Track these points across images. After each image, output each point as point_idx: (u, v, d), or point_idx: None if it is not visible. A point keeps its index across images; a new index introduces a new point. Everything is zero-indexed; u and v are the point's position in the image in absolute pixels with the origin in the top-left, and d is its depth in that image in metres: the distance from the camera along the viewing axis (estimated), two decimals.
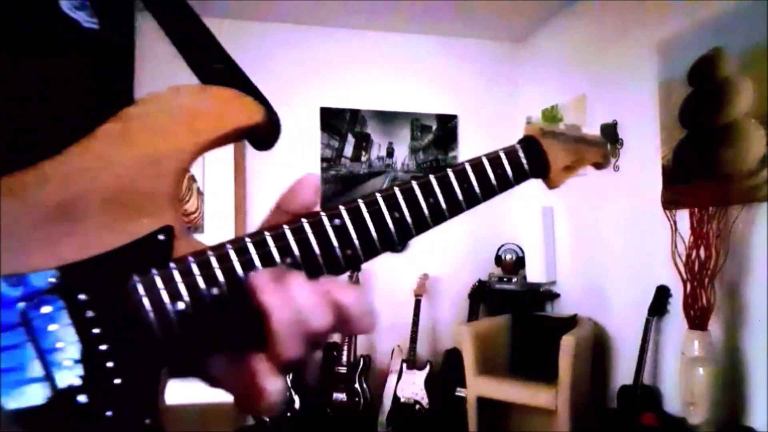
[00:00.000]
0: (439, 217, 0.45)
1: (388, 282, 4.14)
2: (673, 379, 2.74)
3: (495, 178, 0.49)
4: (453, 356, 3.72)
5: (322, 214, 0.41)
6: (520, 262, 4.01)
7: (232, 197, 3.95)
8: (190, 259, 0.37)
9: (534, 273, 3.88)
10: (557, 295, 3.89)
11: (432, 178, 0.45)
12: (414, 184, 0.44)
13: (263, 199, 4.01)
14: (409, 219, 0.43)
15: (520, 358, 3.50)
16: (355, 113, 4.19)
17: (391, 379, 3.75)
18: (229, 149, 3.85)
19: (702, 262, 2.47)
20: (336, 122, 4.16)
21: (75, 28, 0.43)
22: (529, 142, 0.54)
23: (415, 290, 3.93)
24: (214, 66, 0.46)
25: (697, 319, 2.46)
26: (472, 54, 4.39)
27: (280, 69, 4.05)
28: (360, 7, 3.84)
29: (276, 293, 0.36)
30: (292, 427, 3.54)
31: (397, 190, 0.43)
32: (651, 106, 2.99)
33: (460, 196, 0.46)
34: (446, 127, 4.34)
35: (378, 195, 0.42)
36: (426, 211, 0.44)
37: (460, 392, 3.52)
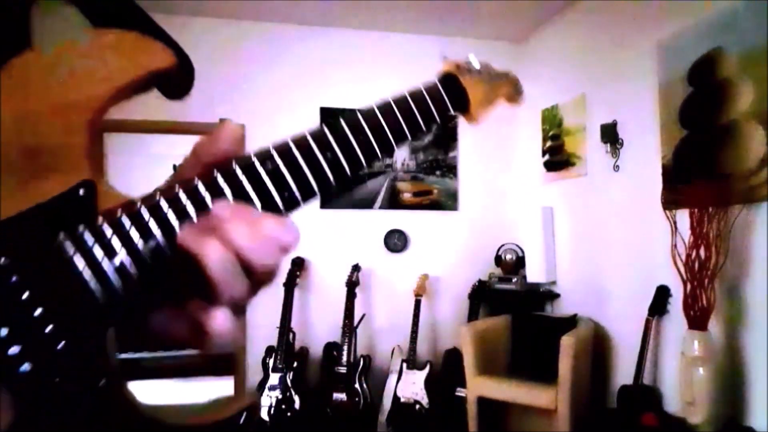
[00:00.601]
0: (370, 154, 0.44)
1: (388, 282, 4.15)
2: (673, 379, 2.74)
3: (419, 113, 0.49)
4: (453, 356, 3.72)
5: (254, 157, 0.39)
6: (520, 262, 4.02)
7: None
8: (119, 211, 0.35)
9: (534, 273, 3.88)
10: (557, 295, 3.89)
11: (359, 115, 0.44)
12: (342, 122, 0.43)
13: None
14: (342, 158, 0.42)
15: (520, 358, 3.50)
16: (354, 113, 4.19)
17: (391, 379, 3.75)
18: None
19: (702, 262, 2.47)
20: (335, 122, 4.16)
21: None
22: (448, 78, 0.55)
23: (415, 290, 3.93)
24: (111, 8, 0.42)
25: (697, 319, 2.46)
26: (472, 54, 4.38)
27: (280, 69, 4.05)
28: (360, 7, 3.85)
29: (205, 239, 0.35)
30: (292, 427, 3.54)
31: (326, 129, 0.42)
32: (651, 106, 2.99)
33: (388, 132, 0.46)
34: (446, 127, 4.34)
35: (308, 134, 0.42)
36: (357, 148, 0.43)
37: (460, 392, 3.53)
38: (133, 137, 5.06)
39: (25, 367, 0.33)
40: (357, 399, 3.61)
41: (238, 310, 0.37)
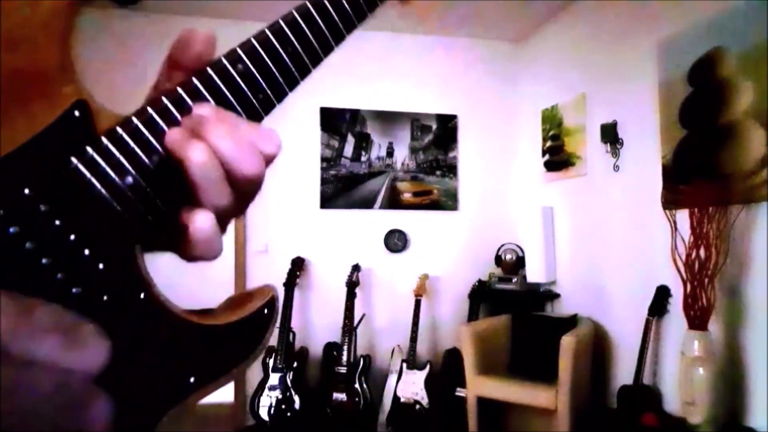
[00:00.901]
0: (326, 46, 0.45)
1: (388, 282, 4.15)
2: (673, 379, 2.74)
3: None
4: (453, 356, 3.72)
5: (224, 60, 0.39)
6: (520, 262, 4.02)
7: None
8: (119, 130, 0.36)
9: (534, 273, 3.88)
10: (557, 295, 3.89)
11: (310, 6, 0.44)
12: (295, 14, 0.43)
13: (263, 198, 4.01)
14: (302, 52, 0.43)
15: (520, 358, 3.50)
16: (355, 113, 4.20)
17: (391, 379, 3.75)
18: None
19: (702, 262, 2.47)
20: (336, 122, 4.16)
21: None
22: None
23: (415, 290, 3.93)
24: None
25: (697, 319, 2.46)
26: (472, 54, 4.39)
27: None
28: None
29: (191, 143, 0.35)
30: (292, 427, 3.54)
31: (282, 23, 0.42)
32: (651, 106, 2.99)
33: (338, 21, 0.46)
34: (446, 127, 4.34)
35: (268, 31, 0.41)
36: (314, 41, 0.44)
37: (460, 392, 3.53)
38: None
39: (75, 290, 0.34)
40: (357, 399, 3.61)
41: (223, 221, 0.37)
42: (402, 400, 3.66)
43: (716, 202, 2.48)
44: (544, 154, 4.06)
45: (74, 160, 0.34)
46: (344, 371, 3.66)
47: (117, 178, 0.35)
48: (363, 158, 4.21)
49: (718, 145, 2.56)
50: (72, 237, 0.34)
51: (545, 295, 3.92)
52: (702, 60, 2.65)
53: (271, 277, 3.89)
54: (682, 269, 2.54)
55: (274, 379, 3.61)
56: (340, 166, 4.16)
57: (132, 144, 0.36)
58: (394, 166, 4.25)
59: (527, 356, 3.47)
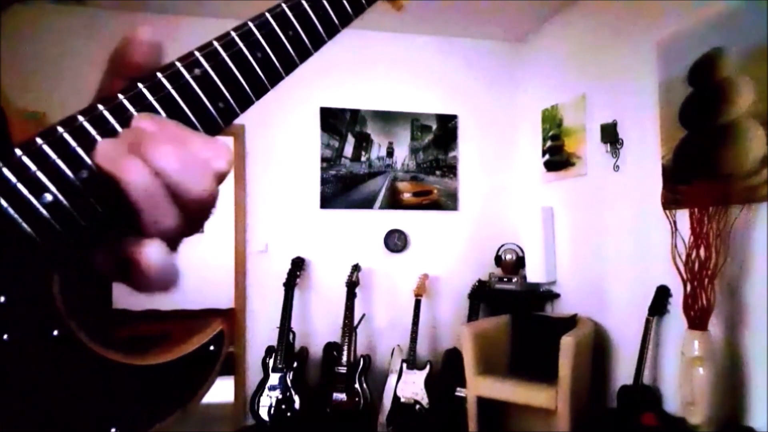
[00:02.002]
0: (303, 52, 0.41)
1: (388, 282, 4.15)
2: (673, 379, 2.74)
3: (346, 0, 0.45)
4: (453, 356, 3.72)
5: (178, 64, 0.35)
6: (520, 262, 4.02)
7: (233, 197, 3.95)
8: (39, 141, 0.31)
9: (534, 273, 3.88)
10: (557, 295, 3.89)
11: (284, 7, 0.40)
12: (268, 15, 0.39)
13: (263, 199, 4.02)
14: (273, 57, 0.38)
15: (520, 358, 3.50)
16: (355, 113, 4.19)
17: (391, 379, 3.75)
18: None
19: (702, 262, 2.47)
20: (336, 122, 4.16)
21: None
22: None
23: (415, 290, 3.93)
24: None
25: (697, 319, 2.46)
26: (472, 54, 4.39)
27: None
28: None
29: (126, 160, 0.31)
30: (292, 427, 3.54)
31: (251, 25, 0.38)
32: (651, 106, 2.99)
33: (318, 24, 0.41)
34: (446, 127, 4.34)
35: (233, 33, 0.37)
36: (288, 45, 0.39)
37: (460, 392, 3.53)
38: None
39: None
40: (357, 399, 3.61)
41: (172, 245, 0.33)
42: (402, 400, 3.66)
43: (716, 202, 2.48)
44: (544, 154, 4.05)
45: None
46: (344, 371, 3.66)
47: (30, 197, 0.30)
48: (363, 158, 4.21)
49: (718, 145, 2.56)
50: None
51: (545, 295, 3.92)
52: (702, 60, 2.65)
53: (271, 277, 3.89)
54: (682, 269, 2.54)
55: (274, 379, 3.61)
56: (340, 166, 4.16)
57: (53, 157, 0.31)
58: (394, 166, 4.25)
59: (527, 356, 3.47)
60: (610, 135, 3.28)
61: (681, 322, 2.57)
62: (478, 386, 3.24)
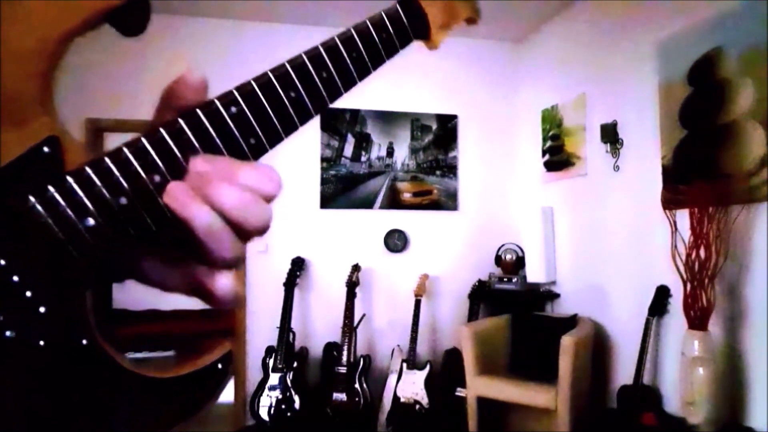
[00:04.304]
0: (334, 91, 0.43)
1: (388, 282, 4.15)
2: (673, 379, 2.74)
3: (381, 43, 0.47)
4: (453, 356, 3.72)
5: (217, 102, 0.38)
6: (520, 262, 4.02)
7: None
8: (88, 169, 0.34)
9: (534, 273, 3.88)
10: (557, 295, 3.89)
11: (321, 49, 0.42)
12: (304, 57, 0.41)
13: None
14: (306, 97, 0.41)
15: (520, 358, 3.50)
16: (355, 113, 4.19)
17: (391, 379, 3.75)
18: None
19: (702, 262, 2.47)
20: (336, 122, 4.16)
21: None
22: (407, 2, 0.52)
23: (415, 290, 3.93)
24: None
25: (697, 319, 2.46)
26: (472, 54, 4.39)
27: None
28: (361, 7, 3.83)
29: (193, 204, 0.34)
30: (292, 427, 3.54)
31: (288, 67, 0.40)
32: (651, 106, 2.99)
33: (351, 66, 0.44)
34: (446, 127, 4.34)
35: (270, 74, 0.40)
36: (321, 86, 0.42)
37: (460, 392, 3.53)
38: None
39: (9, 334, 0.33)
40: (357, 399, 3.61)
41: (236, 264, 0.37)
42: (402, 400, 3.66)
43: (716, 202, 2.48)
44: (544, 154, 4.06)
45: (32, 198, 0.33)
46: (344, 371, 3.66)
47: (77, 220, 0.34)
48: (363, 158, 4.21)
49: (718, 145, 2.56)
50: (15, 278, 0.33)
51: (545, 295, 3.92)
52: (702, 60, 2.65)
53: (271, 277, 3.89)
54: (682, 269, 2.54)
55: (274, 379, 3.61)
56: (340, 166, 4.16)
57: (99, 184, 0.34)
58: (394, 166, 4.25)
59: (527, 356, 3.47)
60: (610, 135, 3.28)
61: (681, 322, 2.57)
62: (478, 386, 3.24)
